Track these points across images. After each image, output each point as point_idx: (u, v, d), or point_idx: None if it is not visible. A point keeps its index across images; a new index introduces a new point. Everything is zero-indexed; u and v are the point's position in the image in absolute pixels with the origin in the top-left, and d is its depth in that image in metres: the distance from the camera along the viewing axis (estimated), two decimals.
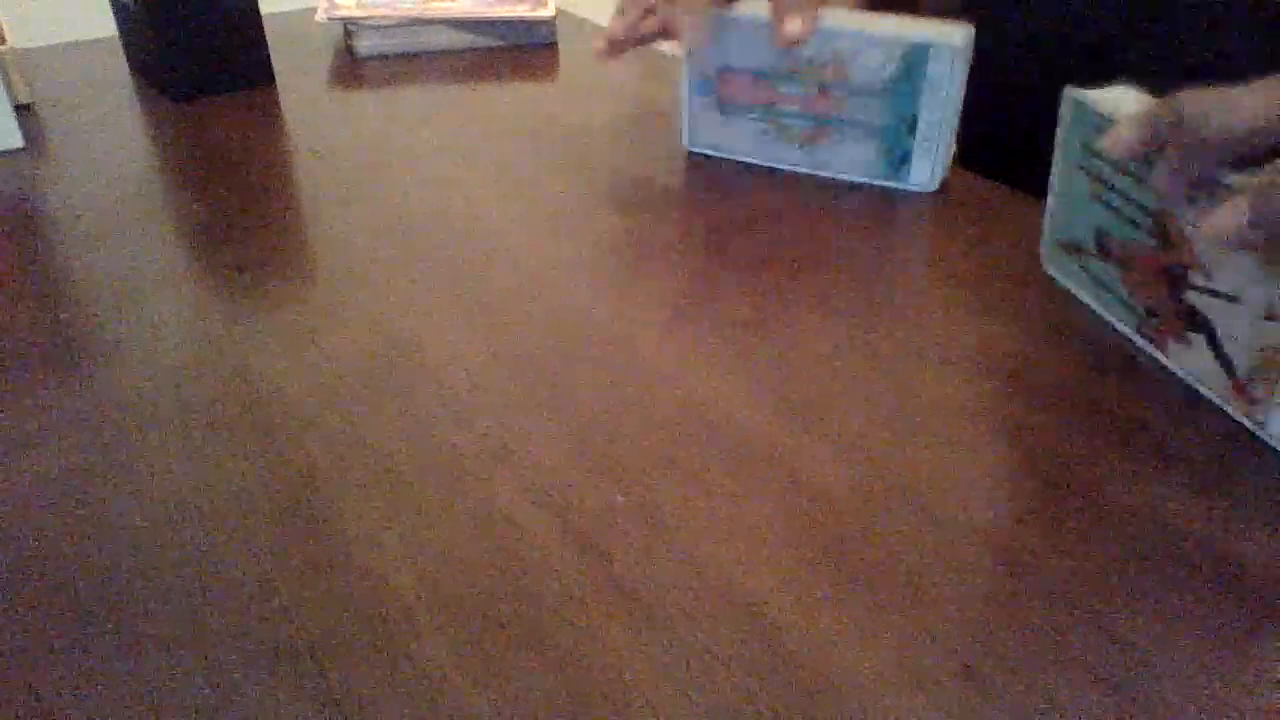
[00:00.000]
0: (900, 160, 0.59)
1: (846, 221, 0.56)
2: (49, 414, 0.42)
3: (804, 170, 0.62)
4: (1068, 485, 0.37)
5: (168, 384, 0.44)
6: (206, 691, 0.30)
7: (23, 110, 0.76)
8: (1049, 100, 0.47)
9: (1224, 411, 0.40)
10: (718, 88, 0.62)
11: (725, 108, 0.62)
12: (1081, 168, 0.46)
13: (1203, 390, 0.40)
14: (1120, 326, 0.45)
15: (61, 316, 0.49)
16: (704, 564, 0.34)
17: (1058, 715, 0.28)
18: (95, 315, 0.49)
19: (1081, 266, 0.47)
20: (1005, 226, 0.55)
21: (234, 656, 0.31)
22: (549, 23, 0.89)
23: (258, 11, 0.80)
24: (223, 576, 0.34)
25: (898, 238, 0.55)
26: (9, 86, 0.73)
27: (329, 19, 0.88)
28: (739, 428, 0.40)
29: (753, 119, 0.62)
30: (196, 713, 0.29)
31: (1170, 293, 0.41)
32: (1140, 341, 0.44)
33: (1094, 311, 0.47)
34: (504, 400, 0.42)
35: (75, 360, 0.45)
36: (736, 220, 0.57)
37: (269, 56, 0.81)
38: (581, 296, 0.50)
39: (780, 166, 0.62)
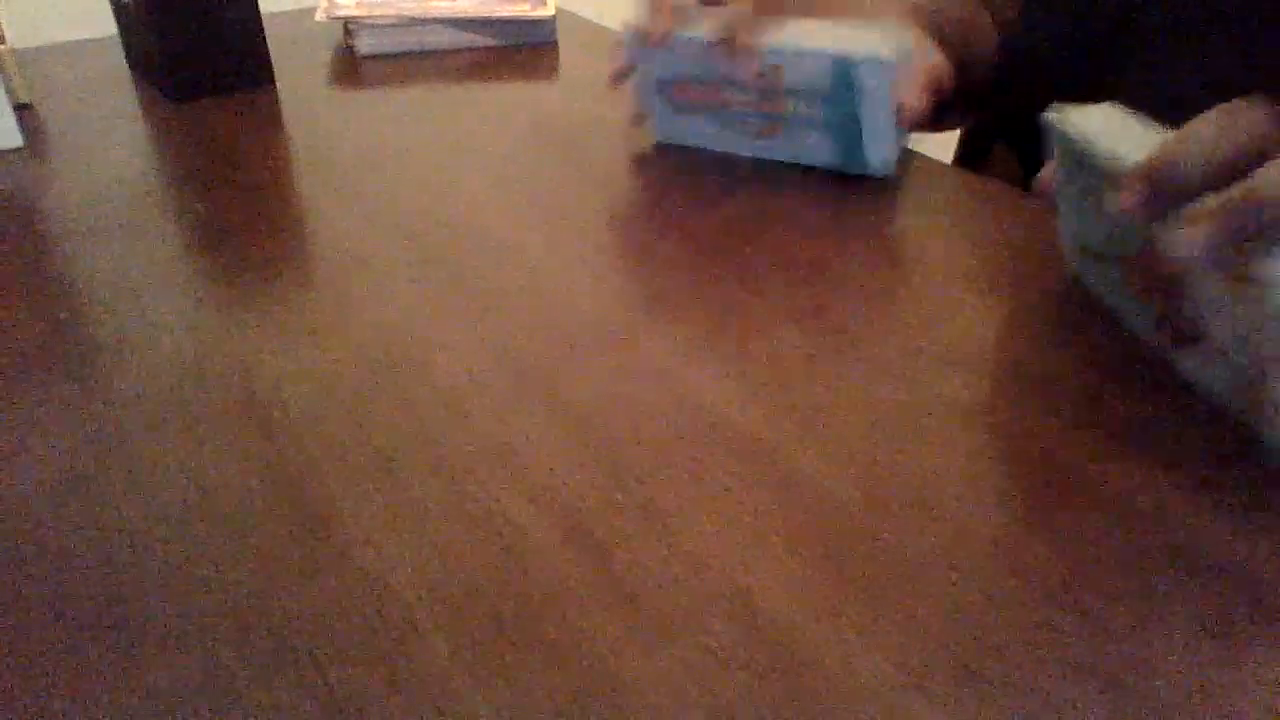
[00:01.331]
0: (854, 150, 0.61)
1: (850, 224, 0.56)
2: (49, 414, 0.42)
3: (765, 157, 0.64)
4: (1068, 485, 0.37)
5: (168, 384, 0.44)
6: (206, 692, 0.30)
7: (23, 110, 0.76)
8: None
9: (1226, 410, 0.40)
10: (670, 93, 0.64)
11: (680, 108, 0.65)
12: (1074, 183, 0.46)
13: (1211, 396, 0.40)
14: (1137, 329, 0.45)
15: (61, 316, 0.49)
16: (704, 564, 0.34)
17: (1057, 715, 0.28)
18: (95, 315, 0.49)
19: (1097, 270, 0.47)
20: (1005, 226, 0.55)
21: (234, 656, 0.31)
22: (549, 22, 0.89)
23: (258, 11, 0.80)
24: (223, 576, 0.34)
25: (899, 241, 0.55)
26: (9, 86, 0.73)
27: (329, 19, 0.88)
28: (739, 427, 0.40)
29: (708, 118, 0.64)
30: (196, 713, 0.29)
31: (1170, 298, 0.41)
32: (1156, 345, 0.44)
33: (1095, 312, 0.47)
34: (504, 400, 0.42)
35: (75, 360, 0.45)
36: (739, 221, 0.57)
37: (269, 56, 0.81)
38: (582, 295, 0.50)
39: (744, 154, 0.65)
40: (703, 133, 0.65)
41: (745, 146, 0.64)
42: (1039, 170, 0.49)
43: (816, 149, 0.62)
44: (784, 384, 0.43)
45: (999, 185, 0.60)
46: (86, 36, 0.94)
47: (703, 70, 0.62)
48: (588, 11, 0.99)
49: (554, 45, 0.90)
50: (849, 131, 0.60)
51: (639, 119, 0.67)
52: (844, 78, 0.58)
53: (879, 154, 0.61)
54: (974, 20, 0.69)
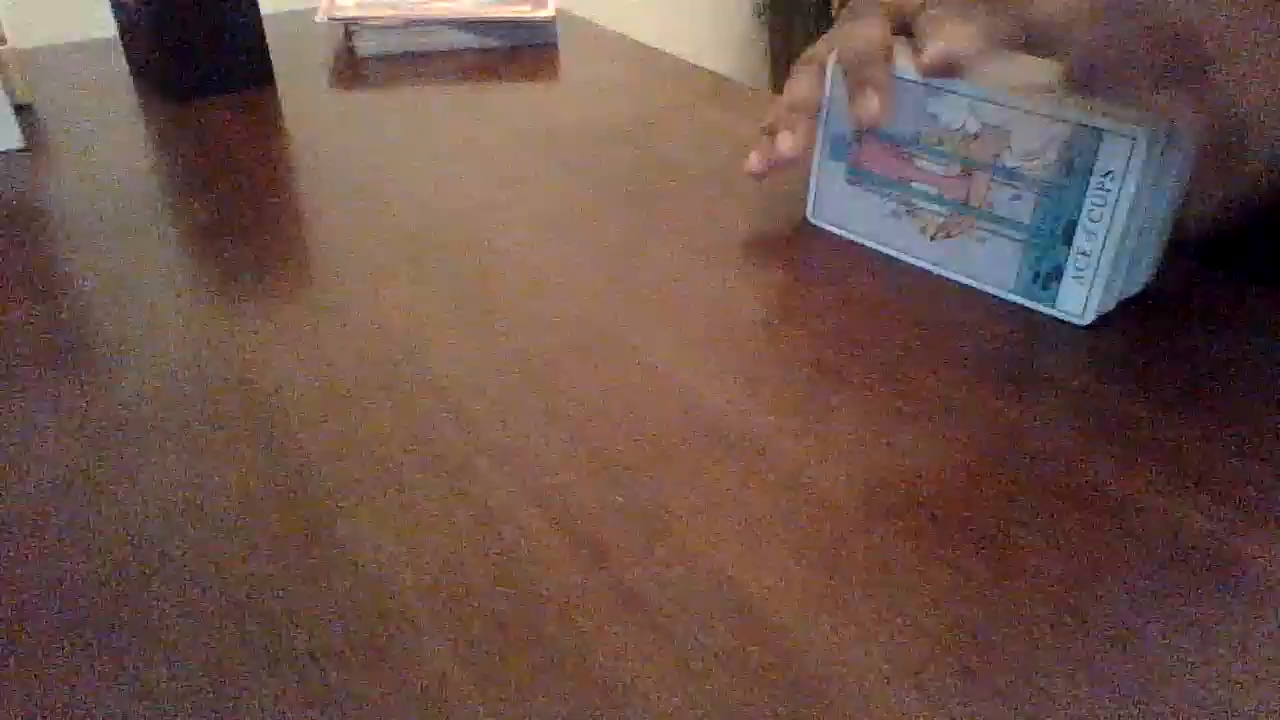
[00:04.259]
0: (1048, 276, 0.46)
1: None
2: (49, 414, 0.42)
3: (932, 269, 0.51)
4: (1067, 485, 0.37)
5: (168, 384, 0.44)
6: (206, 692, 0.30)
7: (23, 110, 0.76)
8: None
9: (1226, 412, 0.40)
10: (853, 153, 0.52)
11: (856, 177, 0.52)
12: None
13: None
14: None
15: (61, 316, 0.49)
16: (704, 564, 0.34)
17: (1057, 715, 0.28)
18: (95, 315, 0.49)
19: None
20: None
21: (234, 657, 0.31)
22: (549, 23, 0.89)
23: (258, 11, 0.80)
24: (223, 577, 0.34)
25: None
26: (9, 87, 0.73)
27: (329, 19, 0.88)
28: (739, 428, 0.40)
29: (884, 196, 0.51)
30: (196, 713, 0.29)
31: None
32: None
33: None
34: (504, 400, 0.42)
35: (75, 360, 0.45)
36: (740, 222, 0.57)
37: (269, 57, 0.81)
38: (582, 297, 0.50)
39: (905, 259, 0.52)
40: (868, 218, 0.52)
41: (914, 246, 0.51)
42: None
43: (1001, 265, 0.47)
44: (784, 384, 0.43)
45: None
46: (86, 37, 0.94)
47: (902, 124, 0.48)
48: (588, 12, 0.99)
49: (554, 46, 0.90)
50: (1052, 246, 0.45)
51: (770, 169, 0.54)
52: (1079, 157, 0.43)
53: (1080, 290, 0.45)
54: None
